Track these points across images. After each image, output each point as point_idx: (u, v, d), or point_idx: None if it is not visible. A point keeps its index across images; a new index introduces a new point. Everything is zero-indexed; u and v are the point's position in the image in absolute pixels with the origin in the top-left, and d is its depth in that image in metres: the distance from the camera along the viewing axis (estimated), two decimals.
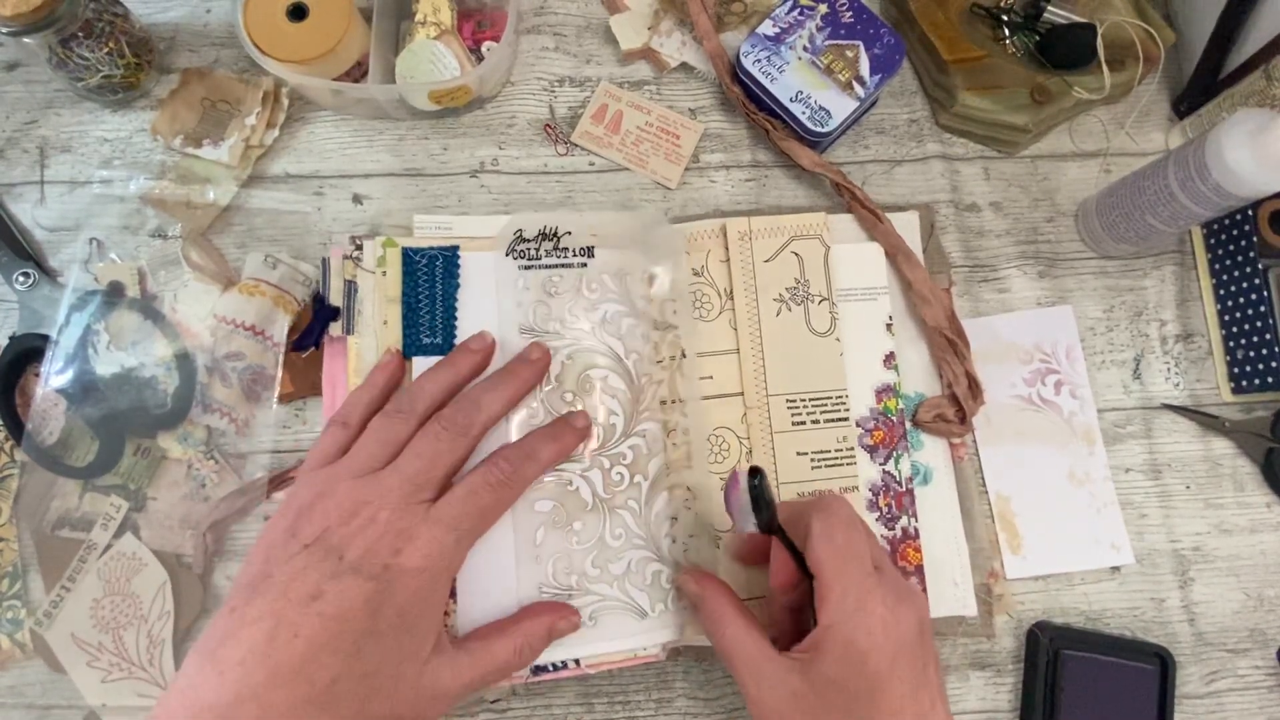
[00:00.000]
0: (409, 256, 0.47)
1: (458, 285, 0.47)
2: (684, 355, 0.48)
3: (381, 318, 0.47)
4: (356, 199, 0.53)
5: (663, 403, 0.47)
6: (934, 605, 0.47)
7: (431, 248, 0.48)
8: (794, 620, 0.41)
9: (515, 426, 0.45)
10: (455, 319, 0.47)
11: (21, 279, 0.49)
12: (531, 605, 0.42)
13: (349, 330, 0.47)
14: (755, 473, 0.37)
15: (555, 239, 0.48)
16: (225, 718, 0.32)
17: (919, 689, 0.36)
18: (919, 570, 0.48)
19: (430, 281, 0.47)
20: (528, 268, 0.48)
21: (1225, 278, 0.54)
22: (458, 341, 0.46)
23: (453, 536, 0.38)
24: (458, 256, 0.48)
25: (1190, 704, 0.49)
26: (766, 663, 0.37)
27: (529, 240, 0.48)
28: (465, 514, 0.39)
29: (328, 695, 0.34)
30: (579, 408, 0.46)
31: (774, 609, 0.42)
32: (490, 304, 0.47)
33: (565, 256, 0.48)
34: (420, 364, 0.46)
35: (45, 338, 0.47)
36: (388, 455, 0.39)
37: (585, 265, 0.48)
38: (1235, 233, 0.53)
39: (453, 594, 0.42)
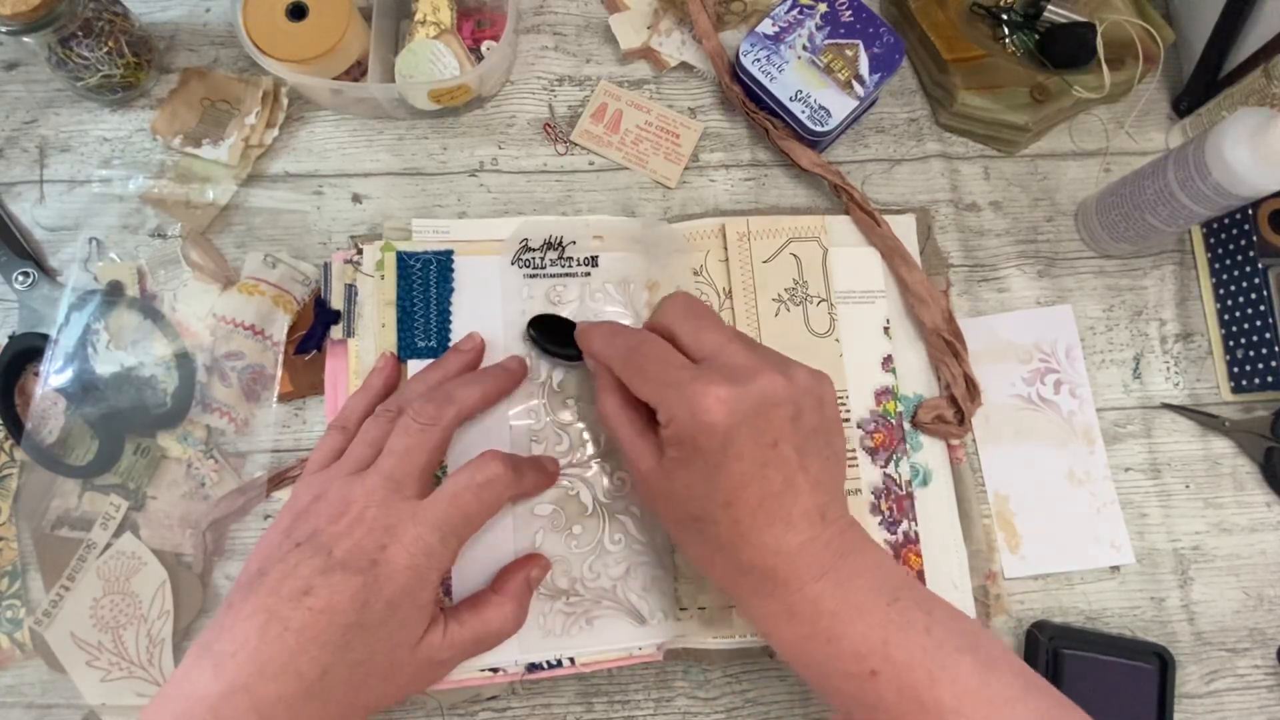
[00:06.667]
0: (404, 260, 0.48)
1: (452, 289, 0.47)
2: None
3: (380, 321, 0.47)
4: (356, 198, 0.53)
5: None
6: None
7: (426, 252, 0.48)
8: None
9: (516, 431, 0.45)
10: (450, 323, 0.47)
11: (21, 278, 0.49)
12: (505, 567, 0.43)
13: (349, 333, 0.47)
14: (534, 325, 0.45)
15: (560, 248, 0.48)
16: (216, 709, 0.33)
17: (765, 467, 0.35)
18: (919, 575, 0.47)
19: (425, 285, 0.47)
20: (532, 276, 0.48)
21: (1225, 277, 0.54)
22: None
23: (437, 536, 0.37)
24: (452, 261, 0.48)
25: (1190, 703, 0.49)
26: (638, 439, 0.39)
27: (534, 250, 0.48)
28: (448, 515, 0.38)
29: (319, 687, 0.34)
30: (579, 414, 0.46)
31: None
32: (491, 310, 0.47)
33: (570, 266, 0.48)
34: (415, 367, 0.46)
35: (45, 337, 0.47)
36: (374, 455, 0.40)
37: (589, 274, 0.48)
38: (1235, 232, 0.53)
39: (449, 591, 0.43)
